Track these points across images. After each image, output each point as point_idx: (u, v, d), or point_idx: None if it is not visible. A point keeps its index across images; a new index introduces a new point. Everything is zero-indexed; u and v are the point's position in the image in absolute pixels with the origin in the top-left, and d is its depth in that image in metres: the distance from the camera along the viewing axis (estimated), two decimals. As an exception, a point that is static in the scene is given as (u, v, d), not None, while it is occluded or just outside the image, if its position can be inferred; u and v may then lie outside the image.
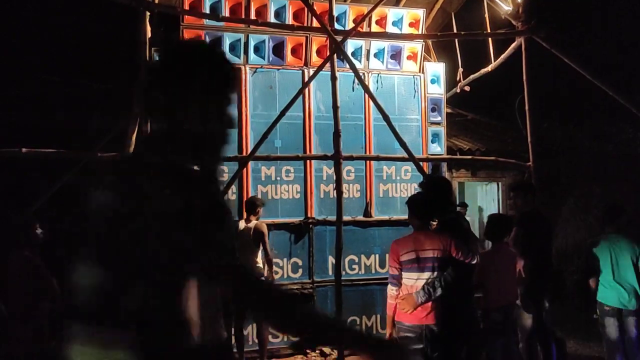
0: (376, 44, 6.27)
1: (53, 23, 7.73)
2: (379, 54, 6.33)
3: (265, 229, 5.20)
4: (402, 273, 3.56)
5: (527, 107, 6.11)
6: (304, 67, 6.07)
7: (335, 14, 5.68)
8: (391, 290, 3.62)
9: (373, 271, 6.18)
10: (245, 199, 5.74)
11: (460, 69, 7.43)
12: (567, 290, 7.73)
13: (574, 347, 6.02)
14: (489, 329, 4.21)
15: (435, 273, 3.51)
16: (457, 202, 7.18)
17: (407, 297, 3.52)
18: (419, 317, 3.52)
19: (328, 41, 5.78)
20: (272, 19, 5.89)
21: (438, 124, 6.50)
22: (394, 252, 3.61)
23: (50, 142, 5.09)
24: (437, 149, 6.45)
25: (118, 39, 7.41)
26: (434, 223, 3.90)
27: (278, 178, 5.96)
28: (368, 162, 6.17)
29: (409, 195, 6.28)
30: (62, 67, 7.60)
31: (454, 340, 3.64)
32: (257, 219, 5.24)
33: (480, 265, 3.91)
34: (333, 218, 5.53)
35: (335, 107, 5.35)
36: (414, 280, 3.53)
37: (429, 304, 3.52)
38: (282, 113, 5.24)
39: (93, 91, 7.73)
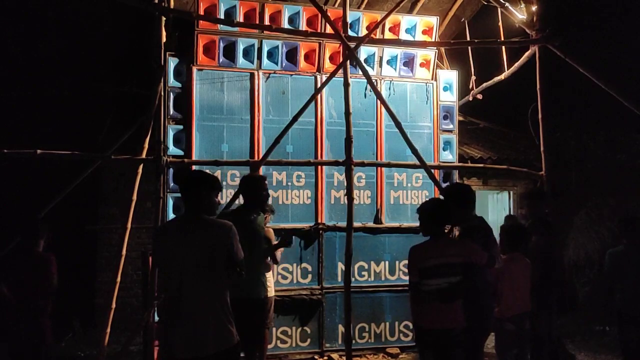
0: (389, 51, 6.28)
1: (68, 26, 7.82)
2: (391, 61, 6.34)
3: (272, 235, 5.20)
4: (421, 279, 3.55)
5: (540, 116, 6.08)
6: (317, 73, 6.09)
7: (348, 20, 5.69)
8: (412, 297, 3.62)
9: (382, 278, 6.16)
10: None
11: (473, 77, 7.41)
12: (577, 301, 7.66)
13: (584, 359, 5.95)
14: (502, 338, 4.18)
15: (454, 278, 3.50)
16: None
17: (425, 302, 3.52)
18: (438, 320, 3.50)
19: (341, 48, 5.80)
20: (285, 25, 5.92)
21: (450, 131, 6.48)
22: (412, 258, 3.61)
23: (65, 144, 5.14)
24: (449, 156, 6.43)
25: (133, 43, 7.49)
26: (455, 229, 3.90)
27: (289, 183, 5.97)
28: (379, 168, 6.16)
29: (420, 202, 6.28)
30: (77, 70, 7.69)
31: (473, 344, 3.62)
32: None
33: (496, 273, 3.91)
34: (343, 224, 5.52)
35: (347, 113, 5.36)
36: (433, 286, 3.51)
37: (448, 308, 3.51)
38: (294, 118, 5.26)
39: (108, 95, 7.81)
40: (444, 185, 6.05)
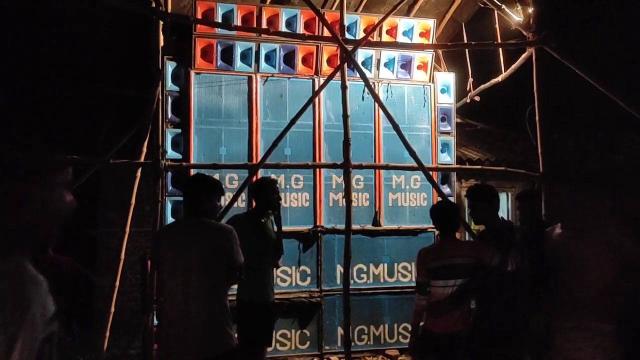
0: (386, 54, 6.30)
1: (67, 30, 7.83)
2: (389, 64, 6.36)
3: None
4: (430, 280, 3.55)
5: (537, 118, 6.09)
6: (315, 76, 6.11)
7: (346, 23, 5.71)
8: (418, 298, 3.63)
9: (381, 280, 6.17)
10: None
11: (471, 79, 7.43)
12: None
13: None
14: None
15: (463, 280, 3.50)
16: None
17: (434, 304, 3.53)
18: (448, 324, 3.50)
19: (338, 50, 5.82)
20: (283, 28, 5.93)
21: (448, 133, 6.50)
22: (421, 259, 3.62)
23: (64, 148, 5.13)
24: (447, 158, 6.44)
25: (131, 47, 7.51)
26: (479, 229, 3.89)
27: (287, 186, 5.98)
28: (377, 171, 6.18)
29: (418, 204, 6.31)
30: (75, 74, 7.70)
31: (484, 347, 3.60)
32: None
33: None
34: (342, 226, 5.53)
35: (345, 116, 5.37)
36: (442, 288, 3.52)
37: (458, 311, 3.51)
38: (292, 121, 5.27)
39: (106, 98, 7.82)
40: (442, 187, 6.07)
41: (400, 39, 6.33)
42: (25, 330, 1.20)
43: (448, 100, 6.54)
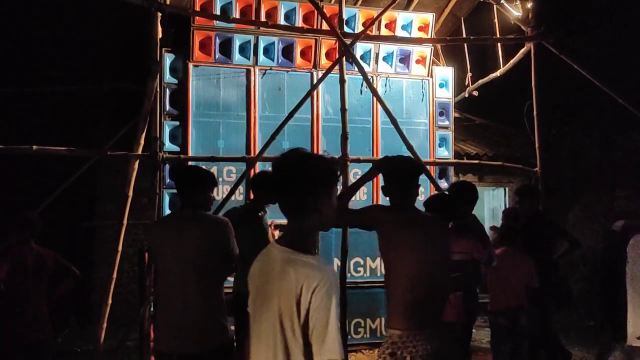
0: (385, 48, 6.28)
1: (65, 22, 7.81)
2: (387, 58, 6.35)
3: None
4: None
5: (535, 113, 6.11)
6: (313, 69, 6.10)
7: (345, 17, 5.70)
8: None
9: (378, 274, 6.18)
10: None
11: (469, 74, 7.43)
12: (572, 297, 7.71)
13: (578, 354, 5.99)
14: (495, 332, 4.22)
15: (458, 274, 3.53)
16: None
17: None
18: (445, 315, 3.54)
19: (337, 44, 5.81)
20: (282, 21, 5.92)
21: (446, 128, 6.50)
22: None
23: (61, 140, 5.14)
24: (445, 153, 6.45)
25: (129, 39, 7.49)
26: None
27: (285, 179, 5.97)
28: (375, 165, 6.17)
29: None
30: (74, 66, 7.68)
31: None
32: None
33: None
34: (339, 220, 5.53)
35: (343, 110, 5.38)
36: None
37: (452, 303, 3.54)
38: (290, 115, 5.27)
39: (104, 91, 7.80)
40: (439, 181, 6.08)
41: (399, 33, 6.31)
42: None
43: (446, 94, 6.54)
